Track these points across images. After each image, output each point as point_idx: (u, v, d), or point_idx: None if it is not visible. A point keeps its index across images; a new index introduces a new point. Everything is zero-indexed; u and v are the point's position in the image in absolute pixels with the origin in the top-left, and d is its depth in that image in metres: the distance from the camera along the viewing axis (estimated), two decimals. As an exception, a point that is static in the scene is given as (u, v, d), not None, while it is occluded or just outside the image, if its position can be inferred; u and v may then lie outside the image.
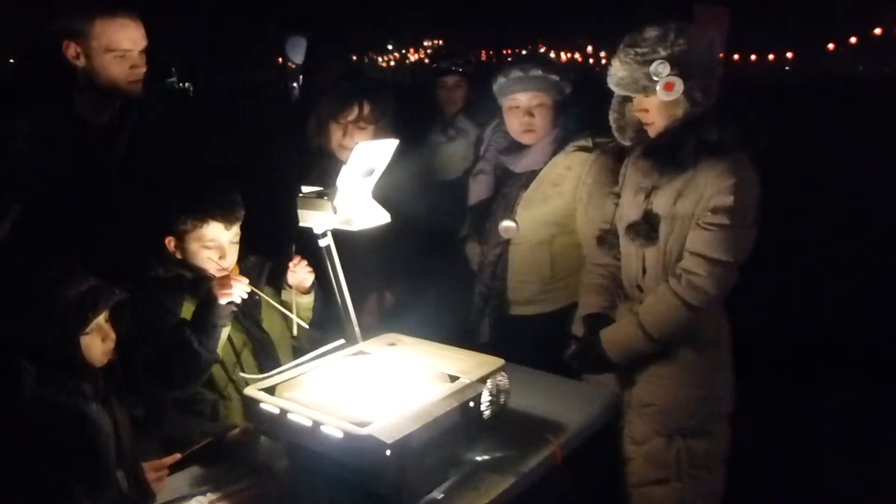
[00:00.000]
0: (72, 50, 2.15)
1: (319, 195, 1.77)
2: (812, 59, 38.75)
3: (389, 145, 1.74)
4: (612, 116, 2.32)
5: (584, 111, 2.72)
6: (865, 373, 3.84)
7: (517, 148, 2.71)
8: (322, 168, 2.54)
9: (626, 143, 2.34)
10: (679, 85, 2.06)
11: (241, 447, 1.90)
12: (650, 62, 2.06)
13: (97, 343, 1.64)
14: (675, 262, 2.15)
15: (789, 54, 40.45)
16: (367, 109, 2.61)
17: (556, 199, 2.63)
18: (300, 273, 2.15)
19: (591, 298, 2.40)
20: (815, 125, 10.69)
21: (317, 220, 1.77)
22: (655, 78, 2.06)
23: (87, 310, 1.58)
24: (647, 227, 2.19)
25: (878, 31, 38.79)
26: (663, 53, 2.05)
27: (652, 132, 2.18)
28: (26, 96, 2.21)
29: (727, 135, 2.07)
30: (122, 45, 2.16)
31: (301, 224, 1.82)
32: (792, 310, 4.69)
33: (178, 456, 1.82)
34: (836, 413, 3.54)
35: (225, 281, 1.95)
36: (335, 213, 1.74)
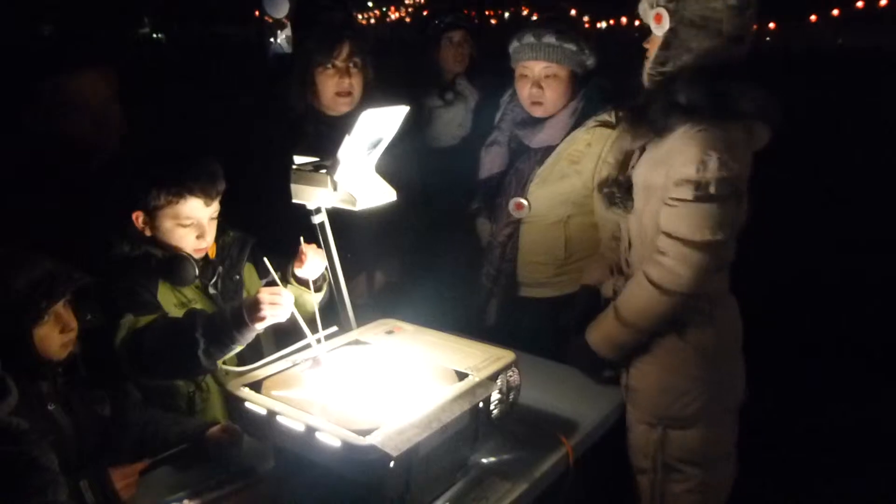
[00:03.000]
0: None
1: (316, 168, 1.54)
2: (794, 31, 38.66)
3: (399, 112, 1.51)
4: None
5: (609, 82, 2.50)
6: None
7: (534, 121, 2.50)
8: (310, 134, 2.29)
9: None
10: (666, 20, 1.85)
11: (223, 447, 1.71)
12: None
13: (55, 334, 1.43)
14: (651, 238, 1.97)
15: (771, 25, 40.30)
16: (355, 48, 2.36)
17: (573, 177, 2.42)
18: (312, 262, 1.84)
19: (592, 271, 2.29)
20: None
21: (313, 196, 1.54)
22: (651, 8, 1.88)
23: (40, 299, 1.35)
24: (618, 191, 2.04)
25: (860, 4, 38.74)
26: None
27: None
28: None
29: (700, 99, 1.84)
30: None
31: (294, 200, 1.59)
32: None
33: (147, 462, 1.61)
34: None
35: (274, 300, 1.63)
36: (335, 189, 1.51)
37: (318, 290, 1.89)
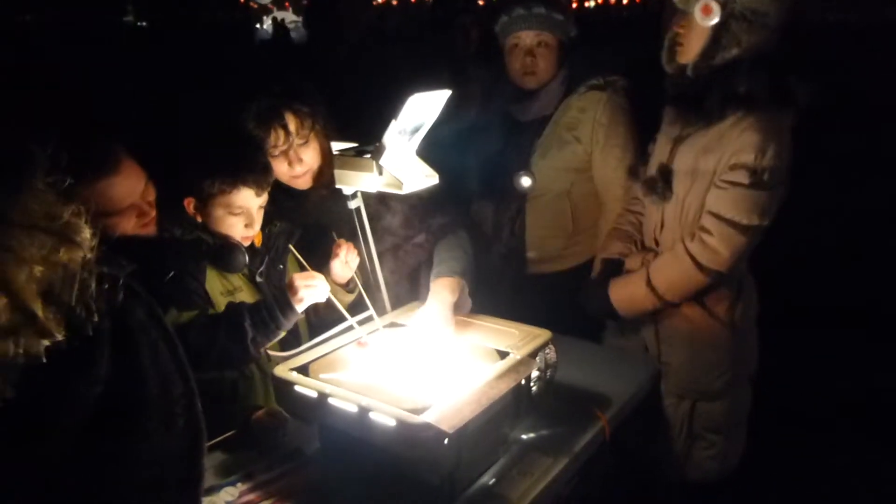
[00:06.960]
0: None
1: (359, 153, 1.55)
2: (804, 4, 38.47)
3: (441, 96, 1.53)
4: (668, 34, 2.10)
5: (595, 52, 2.60)
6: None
7: (524, 95, 2.56)
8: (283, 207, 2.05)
9: (667, 69, 2.11)
10: (716, 13, 1.86)
11: (269, 430, 1.74)
12: None
13: None
14: (693, 220, 2.03)
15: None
16: (293, 124, 1.91)
17: (573, 143, 2.49)
18: (350, 261, 1.89)
19: (612, 243, 2.33)
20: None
21: (358, 181, 1.55)
22: None
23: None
24: (662, 184, 2.07)
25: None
26: None
27: (680, 56, 2.01)
28: None
29: (759, 89, 1.89)
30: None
31: (337, 185, 1.61)
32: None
33: None
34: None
35: (308, 283, 1.70)
36: (380, 174, 1.53)
37: (350, 291, 1.96)
